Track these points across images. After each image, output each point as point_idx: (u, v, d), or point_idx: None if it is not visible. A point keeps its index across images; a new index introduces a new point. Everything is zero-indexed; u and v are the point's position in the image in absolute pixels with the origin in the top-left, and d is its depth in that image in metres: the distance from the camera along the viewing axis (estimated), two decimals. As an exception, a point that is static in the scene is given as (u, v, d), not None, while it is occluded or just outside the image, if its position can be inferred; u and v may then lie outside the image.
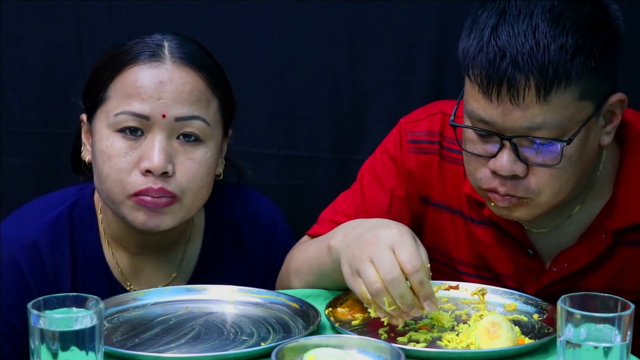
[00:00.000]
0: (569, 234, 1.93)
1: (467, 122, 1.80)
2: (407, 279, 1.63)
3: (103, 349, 1.44)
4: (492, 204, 1.82)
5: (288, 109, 2.57)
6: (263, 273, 2.09)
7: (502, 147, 1.75)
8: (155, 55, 1.86)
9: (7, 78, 2.55)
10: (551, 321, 1.73)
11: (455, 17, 2.42)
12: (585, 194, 1.90)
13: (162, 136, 1.84)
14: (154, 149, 1.82)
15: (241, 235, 2.07)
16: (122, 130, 1.84)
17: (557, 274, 1.92)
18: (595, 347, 1.42)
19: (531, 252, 1.95)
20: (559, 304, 1.46)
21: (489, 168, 1.78)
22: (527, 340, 1.66)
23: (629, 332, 1.44)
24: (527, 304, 1.83)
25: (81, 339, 1.39)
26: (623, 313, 1.43)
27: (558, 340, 1.46)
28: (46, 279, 1.91)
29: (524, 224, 1.94)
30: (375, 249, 1.65)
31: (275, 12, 2.51)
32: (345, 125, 2.56)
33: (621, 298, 1.47)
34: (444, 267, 2.04)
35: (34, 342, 1.40)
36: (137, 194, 1.83)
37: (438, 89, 2.49)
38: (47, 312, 1.42)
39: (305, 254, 1.97)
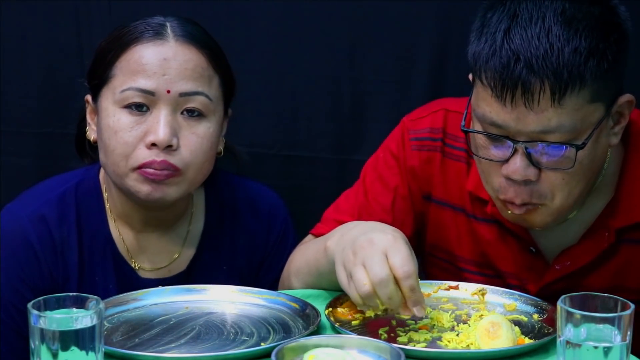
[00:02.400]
0: (571, 232, 1.93)
1: (477, 126, 1.79)
2: (398, 284, 1.63)
3: (103, 349, 1.44)
4: (509, 212, 1.82)
5: (288, 109, 2.57)
6: (261, 258, 2.12)
7: (514, 151, 1.74)
8: (158, 34, 1.92)
9: (7, 78, 2.55)
10: (551, 321, 1.73)
11: (456, 17, 2.43)
12: (588, 193, 1.90)
13: (167, 111, 1.90)
14: (159, 123, 1.89)
15: (241, 218, 2.11)
16: (128, 106, 1.90)
17: (559, 272, 1.92)
18: (595, 347, 1.42)
19: (534, 250, 1.95)
20: (559, 304, 1.46)
21: (502, 173, 1.77)
22: (527, 340, 1.66)
23: (629, 332, 1.44)
24: (527, 304, 1.83)
25: (81, 339, 1.40)
26: (623, 313, 1.43)
27: (558, 340, 1.46)
28: (54, 252, 1.96)
29: None
30: (368, 253, 1.66)
31: (275, 12, 2.51)
32: (345, 125, 2.56)
33: (621, 298, 1.47)
34: (446, 265, 2.04)
35: (34, 342, 1.40)
36: (140, 167, 1.89)
37: (438, 88, 2.49)
38: (47, 312, 1.42)
39: (305, 254, 1.97)
